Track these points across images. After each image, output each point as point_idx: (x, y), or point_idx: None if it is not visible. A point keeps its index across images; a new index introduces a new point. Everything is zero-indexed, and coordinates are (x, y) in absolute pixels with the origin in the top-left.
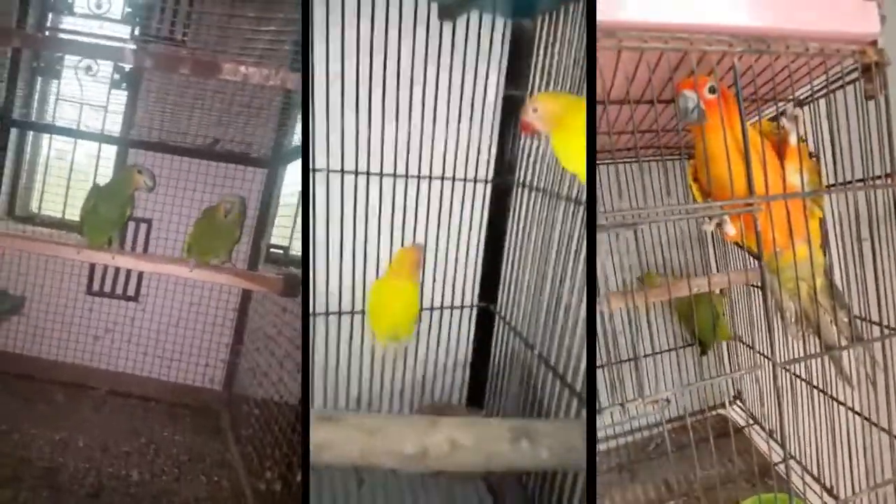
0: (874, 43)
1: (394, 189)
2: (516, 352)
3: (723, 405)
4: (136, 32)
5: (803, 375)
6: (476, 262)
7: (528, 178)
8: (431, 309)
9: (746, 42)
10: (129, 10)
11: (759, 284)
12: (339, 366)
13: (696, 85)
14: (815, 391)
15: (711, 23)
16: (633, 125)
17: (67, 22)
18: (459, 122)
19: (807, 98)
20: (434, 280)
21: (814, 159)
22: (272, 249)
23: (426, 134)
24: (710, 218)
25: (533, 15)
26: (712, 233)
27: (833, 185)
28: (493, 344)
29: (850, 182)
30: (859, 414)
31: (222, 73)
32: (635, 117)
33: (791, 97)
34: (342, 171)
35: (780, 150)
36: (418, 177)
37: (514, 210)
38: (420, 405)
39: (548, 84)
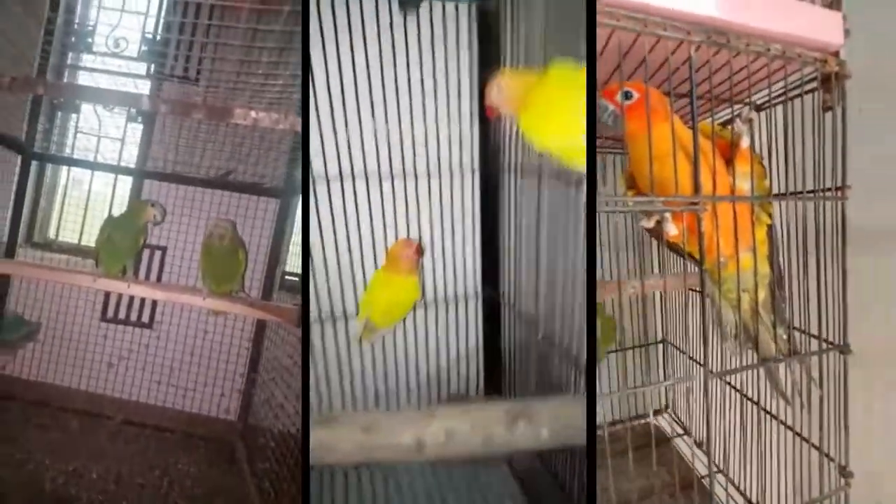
0: (836, 54)
1: (381, 189)
2: (526, 335)
3: (655, 412)
4: (152, 70)
5: (737, 386)
6: (475, 252)
7: (515, 160)
8: (436, 302)
9: (706, 33)
10: (146, 48)
11: (699, 289)
12: (351, 366)
13: (607, 93)
14: (748, 403)
15: (670, 7)
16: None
17: (87, 59)
18: (437, 114)
19: (764, 103)
20: (435, 274)
21: (763, 166)
22: (287, 277)
23: (405, 132)
24: (650, 214)
25: None
26: (651, 233)
27: (783, 194)
28: (503, 330)
29: (800, 192)
30: (790, 428)
31: (233, 118)
32: None
33: (748, 100)
34: (326, 176)
35: (729, 153)
36: (403, 174)
37: (505, 195)
38: (438, 399)
39: (521, 56)
